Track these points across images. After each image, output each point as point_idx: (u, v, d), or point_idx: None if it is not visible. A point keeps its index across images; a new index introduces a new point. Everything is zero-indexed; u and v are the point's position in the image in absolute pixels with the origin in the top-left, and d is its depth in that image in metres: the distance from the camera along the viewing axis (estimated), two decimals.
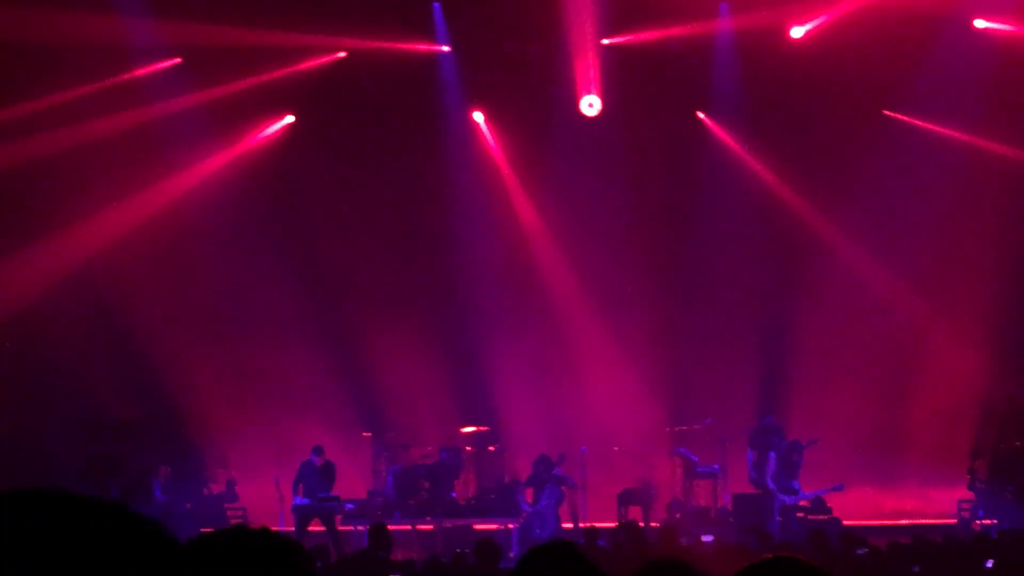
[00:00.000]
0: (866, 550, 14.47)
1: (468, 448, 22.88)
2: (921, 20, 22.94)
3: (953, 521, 21.63)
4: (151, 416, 22.65)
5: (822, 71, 23.20)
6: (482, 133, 25.35)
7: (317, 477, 20.84)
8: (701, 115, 25.21)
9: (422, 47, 24.26)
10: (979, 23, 23.34)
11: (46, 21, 21.32)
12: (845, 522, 20.31)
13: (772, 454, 21.54)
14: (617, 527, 19.11)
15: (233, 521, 20.83)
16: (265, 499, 21.54)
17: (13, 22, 21.17)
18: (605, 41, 23.90)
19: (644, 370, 24.46)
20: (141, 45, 22.83)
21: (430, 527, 21.12)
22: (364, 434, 23.43)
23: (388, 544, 15.58)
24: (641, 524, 20.69)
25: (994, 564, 13.72)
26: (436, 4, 24.06)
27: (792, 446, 21.59)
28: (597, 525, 19.91)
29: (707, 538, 16.86)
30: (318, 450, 21.05)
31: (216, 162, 24.45)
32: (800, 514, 21.23)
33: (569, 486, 21.46)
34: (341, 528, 20.85)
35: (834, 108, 23.86)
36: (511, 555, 19.64)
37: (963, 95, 23.42)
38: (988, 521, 21.20)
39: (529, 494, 21.57)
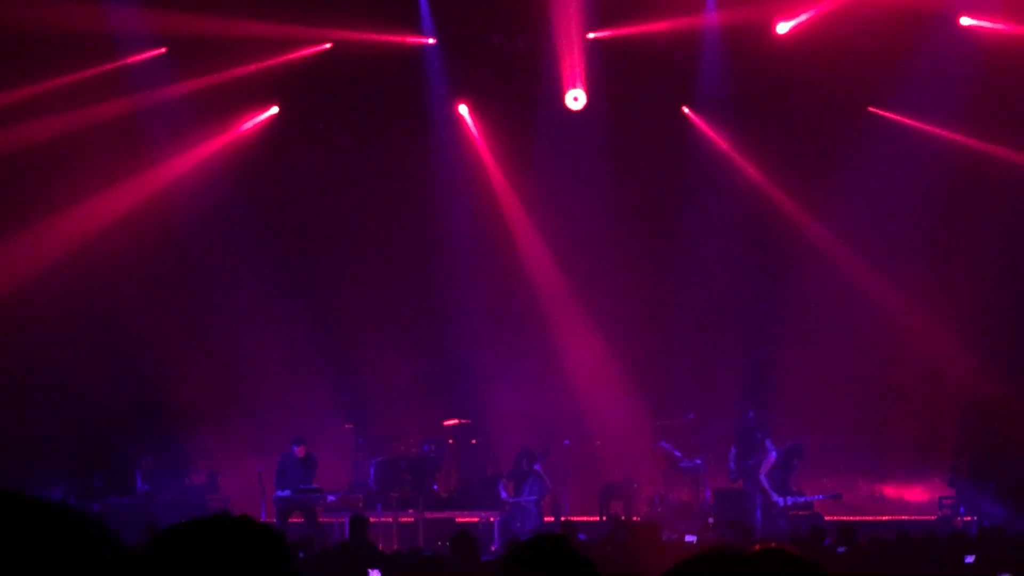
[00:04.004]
0: (846, 547, 14.51)
1: (450, 441, 22.87)
2: (907, 17, 22.95)
3: (933, 517, 21.70)
4: (134, 406, 22.60)
5: (808, 67, 23.19)
6: (467, 126, 25.31)
7: (298, 468, 20.77)
8: (686, 110, 25.23)
9: (408, 39, 24.21)
10: (965, 20, 23.37)
11: (30, 9, 21.23)
12: (826, 517, 20.34)
13: (773, 452, 21.39)
14: (607, 520, 19.10)
15: None
16: (247, 491, 21.49)
17: None
18: (591, 35, 23.88)
19: (627, 364, 24.47)
20: (126, 34, 22.71)
21: (412, 519, 21.10)
22: (346, 426, 23.39)
23: (366, 535, 15.57)
24: (623, 518, 20.72)
25: (974, 560, 13.76)
26: None
27: (793, 450, 21.47)
28: (575, 519, 19.94)
29: (690, 538, 16.78)
30: (298, 440, 20.98)
31: (201, 152, 24.36)
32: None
33: (542, 482, 21.42)
34: (322, 520, 20.81)
35: (819, 104, 23.89)
36: (492, 548, 19.67)
37: (949, 92, 23.41)
38: (969, 517, 21.26)
39: (510, 487, 21.56)
